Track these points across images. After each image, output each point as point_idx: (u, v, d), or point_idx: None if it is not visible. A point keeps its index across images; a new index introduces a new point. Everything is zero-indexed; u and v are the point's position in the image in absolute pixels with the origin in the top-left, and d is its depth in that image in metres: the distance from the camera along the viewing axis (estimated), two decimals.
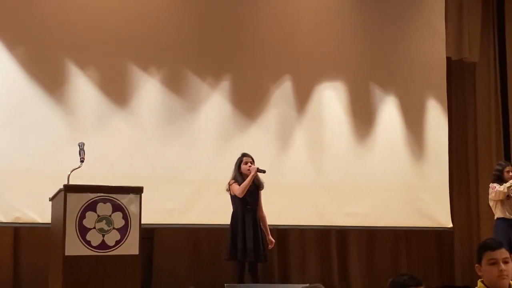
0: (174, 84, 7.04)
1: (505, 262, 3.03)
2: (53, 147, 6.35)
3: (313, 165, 7.62)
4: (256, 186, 5.93)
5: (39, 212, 6.05)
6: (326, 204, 7.58)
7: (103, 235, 4.47)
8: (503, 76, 9.24)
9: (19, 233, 6.69)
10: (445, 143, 8.50)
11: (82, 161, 4.94)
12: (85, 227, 4.41)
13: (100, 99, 6.69)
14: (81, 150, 5.01)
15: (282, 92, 7.56)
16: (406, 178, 8.14)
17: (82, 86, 6.64)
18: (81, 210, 4.42)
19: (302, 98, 7.67)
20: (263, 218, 5.97)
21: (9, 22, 6.44)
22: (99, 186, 4.59)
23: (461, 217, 9.02)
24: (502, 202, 7.03)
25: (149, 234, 6.91)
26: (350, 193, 7.71)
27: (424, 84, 8.43)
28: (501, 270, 3.01)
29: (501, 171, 7.13)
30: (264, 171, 5.88)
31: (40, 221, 6.06)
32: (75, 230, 4.37)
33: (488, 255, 3.06)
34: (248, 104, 7.35)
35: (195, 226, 7.09)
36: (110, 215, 4.50)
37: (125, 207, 4.56)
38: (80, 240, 4.38)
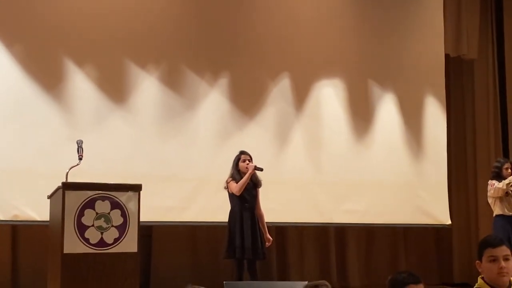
0: (172, 81, 7.04)
1: (506, 260, 3.01)
2: (51, 145, 6.34)
3: (312, 163, 7.62)
4: (254, 184, 5.91)
5: (37, 210, 6.05)
6: (324, 201, 7.59)
7: (102, 233, 4.45)
8: (501, 73, 9.23)
9: (18, 231, 6.68)
10: (443, 140, 8.49)
11: (80, 159, 4.92)
12: (83, 224, 4.40)
13: (98, 97, 6.69)
14: (80, 148, 4.98)
15: (281, 90, 7.55)
16: (405, 175, 8.14)
17: (80, 84, 6.63)
18: (80, 207, 4.40)
19: (301, 95, 7.66)
20: (261, 216, 5.95)
21: (7, 21, 6.42)
22: (98, 184, 4.58)
23: (460, 214, 9.02)
24: (501, 199, 7.04)
25: (148, 231, 6.91)
26: (348, 191, 7.71)
27: (423, 81, 8.42)
28: (501, 268, 3.00)
29: (500, 168, 7.14)
30: (261, 169, 5.86)
31: (38, 219, 6.05)
32: (73, 227, 4.36)
33: (488, 252, 3.05)
34: (247, 101, 7.35)
35: (194, 224, 7.09)
36: (108, 213, 4.49)
37: (124, 204, 4.54)
38: (79, 238, 4.37)
